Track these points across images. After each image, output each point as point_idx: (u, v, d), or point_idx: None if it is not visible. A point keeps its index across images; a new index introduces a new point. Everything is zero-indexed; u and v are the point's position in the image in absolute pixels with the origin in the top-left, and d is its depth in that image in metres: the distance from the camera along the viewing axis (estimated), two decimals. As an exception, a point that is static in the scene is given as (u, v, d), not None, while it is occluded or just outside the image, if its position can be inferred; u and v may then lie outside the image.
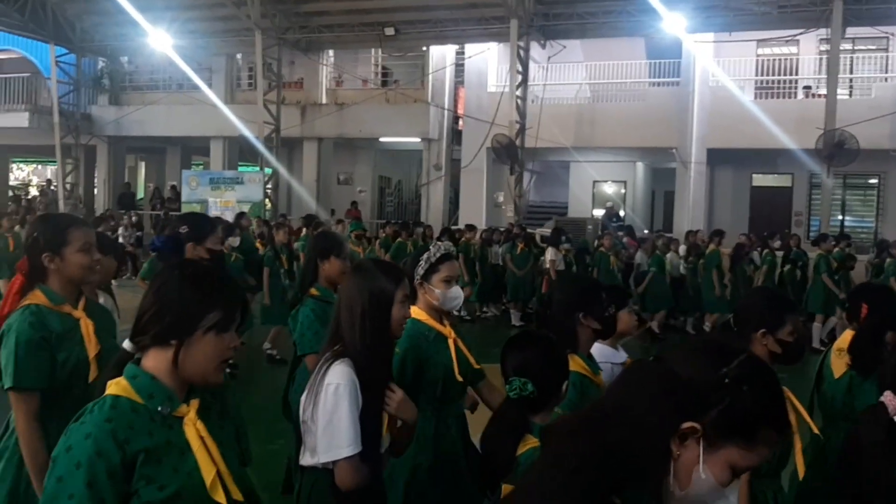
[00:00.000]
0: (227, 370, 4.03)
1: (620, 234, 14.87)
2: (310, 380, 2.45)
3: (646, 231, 15.94)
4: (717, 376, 1.33)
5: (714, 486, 1.32)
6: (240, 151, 21.92)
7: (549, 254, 11.95)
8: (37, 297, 2.72)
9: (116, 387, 1.72)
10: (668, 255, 12.63)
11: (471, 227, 14.15)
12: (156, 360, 1.74)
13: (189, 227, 3.64)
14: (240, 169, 22.34)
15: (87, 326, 2.75)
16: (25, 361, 2.59)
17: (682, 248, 13.18)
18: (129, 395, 1.70)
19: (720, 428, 1.30)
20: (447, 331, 3.15)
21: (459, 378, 3.09)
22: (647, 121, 18.05)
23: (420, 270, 3.13)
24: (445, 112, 20.61)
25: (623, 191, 22.93)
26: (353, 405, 2.34)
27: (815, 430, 3.00)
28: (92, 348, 2.72)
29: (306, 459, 2.43)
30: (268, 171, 20.38)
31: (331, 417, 2.33)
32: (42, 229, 2.76)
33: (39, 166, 32.45)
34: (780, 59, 18.90)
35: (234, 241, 9.26)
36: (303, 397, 2.45)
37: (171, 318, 1.73)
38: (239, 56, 22.94)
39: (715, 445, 1.31)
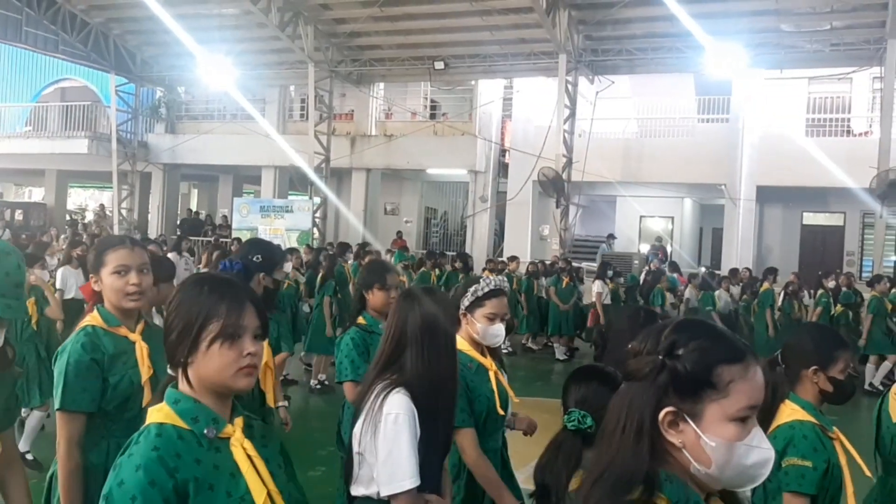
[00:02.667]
0: (283, 403, 4.06)
1: (664, 267, 14.73)
2: (364, 409, 2.43)
3: (703, 269, 15.67)
4: (653, 360, 1.36)
5: (730, 445, 1.33)
6: (290, 181, 22.20)
7: (596, 287, 11.89)
8: (94, 318, 2.75)
9: (159, 413, 1.70)
10: (718, 293, 12.46)
11: (513, 258, 14.10)
12: (185, 382, 1.74)
13: (263, 258, 3.57)
14: (289, 197, 22.63)
15: (141, 350, 2.74)
16: (74, 383, 2.59)
17: (735, 289, 12.94)
18: (172, 421, 1.68)
19: (685, 396, 1.33)
20: (488, 362, 3.14)
21: (501, 411, 3.07)
22: (695, 157, 17.90)
23: (466, 302, 3.13)
24: (493, 145, 20.68)
25: (670, 226, 22.66)
26: (412, 436, 2.32)
27: (867, 473, 2.93)
28: (145, 372, 2.71)
29: (359, 490, 2.40)
30: (317, 200, 20.62)
31: (391, 449, 2.30)
32: (91, 251, 2.85)
33: (96, 191, 33.35)
34: (831, 97, 18.62)
35: (287, 268, 9.33)
36: (356, 428, 2.43)
37: (174, 336, 1.73)
38: (292, 88, 23.34)
39: (698, 414, 1.33)
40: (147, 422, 1.70)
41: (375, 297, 3.92)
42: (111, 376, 2.65)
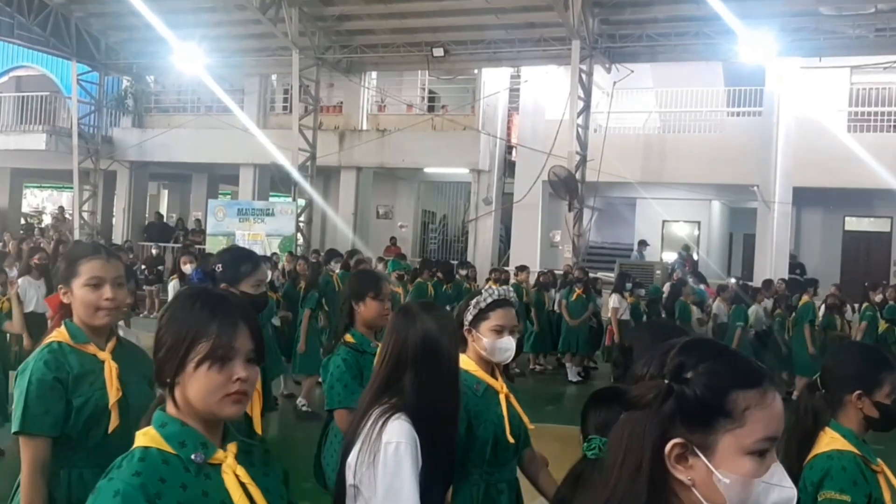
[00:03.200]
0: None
1: (691, 278, 14.74)
2: (361, 437, 2.44)
3: (732, 280, 15.65)
4: (657, 384, 1.34)
5: (747, 482, 1.30)
6: (271, 180, 22.19)
7: (612, 301, 11.88)
8: (60, 333, 2.75)
9: (145, 437, 1.73)
10: (753, 308, 12.42)
11: (523, 268, 14.13)
12: (171, 405, 1.76)
13: (224, 267, 3.59)
14: (270, 199, 22.66)
15: (111, 370, 2.73)
16: (36, 404, 2.59)
17: (768, 302, 12.95)
18: (158, 445, 1.71)
19: (694, 426, 1.31)
20: (499, 384, 3.13)
21: (511, 439, 3.06)
22: (724, 154, 17.89)
23: (469, 316, 3.12)
24: (497, 141, 20.69)
25: (696, 232, 22.65)
26: (414, 466, 2.34)
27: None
28: (113, 394, 2.70)
29: None
30: (301, 202, 20.64)
31: (392, 480, 2.32)
32: (60, 259, 2.85)
33: (55, 192, 33.33)
34: (876, 88, 18.62)
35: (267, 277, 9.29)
36: (351, 457, 2.44)
37: (162, 354, 1.76)
38: (274, 77, 23.36)
39: (709, 446, 1.31)
40: (134, 445, 1.73)
41: (368, 309, 3.89)
42: (75, 398, 2.65)
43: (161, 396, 1.81)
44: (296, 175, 19.83)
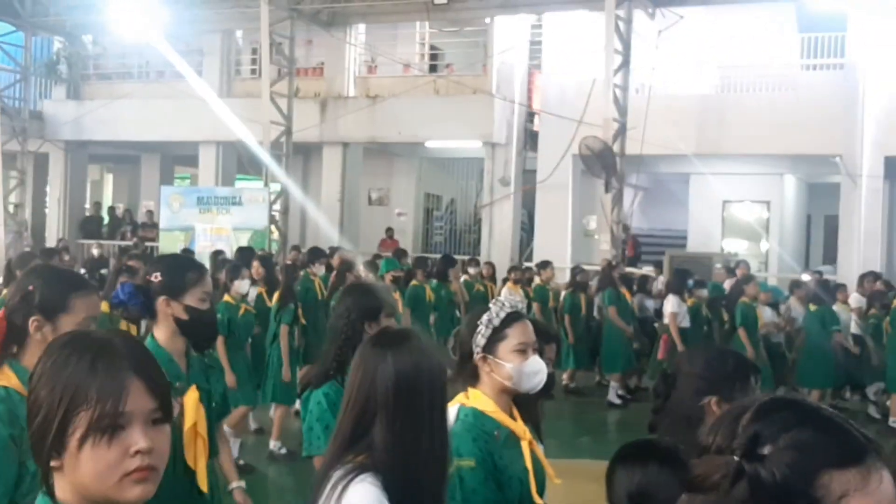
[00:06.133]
0: (239, 483, 4.14)
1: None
2: (319, 501, 2.46)
3: (810, 274, 15.51)
4: (725, 462, 1.29)
5: None
6: (238, 161, 22.19)
7: (670, 304, 11.80)
8: (6, 376, 2.77)
9: None
10: (835, 308, 12.41)
11: (545, 265, 14.12)
12: (61, 488, 1.72)
13: (164, 276, 3.63)
14: (237, 184, 22.59)
15: None
16: None
17: (854, 298, 12.87)
18: None
19: None
20: (520, 429, 3.14)
21: (538, 499, 3.08)
22: (798, 118, 17.69)
23: (480, 339, 3.11)
24: (516, 107, 20.60)
25: (766, 214, 22.56)
26: None
27: None
28: None
29: None
30: (276, 187, 20.50)
31: None
32: (40, 284, 2.89)
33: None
34: None
35: (243, 285, 9.20)
36: None
37: (34, 429, 1.72)
38: (239, 34, 23.37)
39: None
40: None
41: None
42: (30, 462, 2.60)
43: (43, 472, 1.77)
44: (264, 155, 19.70)
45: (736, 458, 1.29)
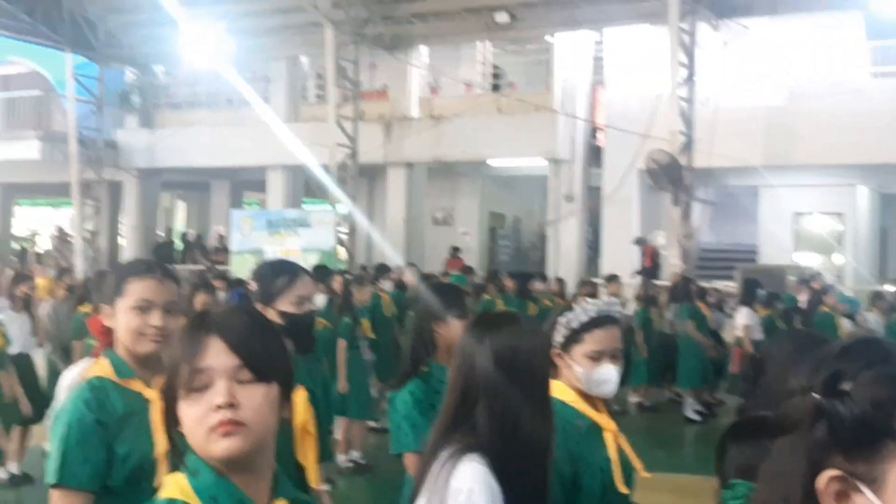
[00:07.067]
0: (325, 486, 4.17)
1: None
2: (426, 484, 2.51)
3: (888, 286, 15.28)
4: (805, 401, 1.29)
5: None
6: (306, 185, 22.46)
7: (742, 317, 11.70)
8: (102, 367, 2.84)
9: (173, 487, 1.76)
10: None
11: (612, 278, 14.18)
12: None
13: (259, 284, 3.78)
14: (305, 207, 22.82)
15: (158, 411, 2.65)
16: (75, 452, 2.65)
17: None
18: (187, 498, 1.73)
19: (856, 453, 1.24)
20: (604, 419, 3.15)
21: (624, 489, 3.08)
22: (869, 126, 17.46)
23: (559, 337, 3.14)
24: (580, 123, 20.62)
25: (840, 227, 22.19)
26: None
27: None
28: (162, 441, 2.62)
29: None
30: (342, 208, 20.65)
31: None
32: (109, 275, 3.05)
33: (51, 209, 33.99)
34: None
35: (318, 300, 9.22)
36: None
37: (164, 393, 1.81)
38: (304, 60, 23.72)
39: (877, 479, 1.23)
40: (159, 494, 1.78)
41: (452, 332, 3.89)
42: (119, 445, 2.71)
43: None
44: (330, 178, 19.93)
45: (816, 396, 1.27)
